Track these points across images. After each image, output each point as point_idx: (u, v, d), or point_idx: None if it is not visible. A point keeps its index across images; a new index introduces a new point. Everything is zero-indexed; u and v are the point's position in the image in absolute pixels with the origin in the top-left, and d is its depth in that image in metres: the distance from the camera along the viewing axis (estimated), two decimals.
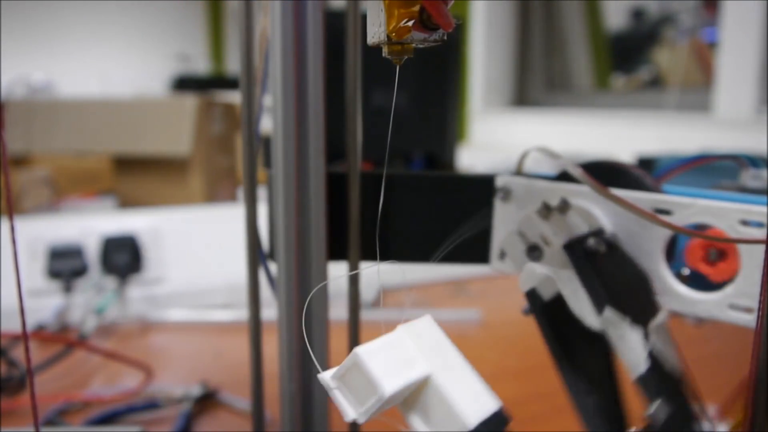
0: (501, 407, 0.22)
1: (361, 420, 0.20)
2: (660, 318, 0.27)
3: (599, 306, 0.26)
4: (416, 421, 0.21)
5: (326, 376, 0.21)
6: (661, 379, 0.25)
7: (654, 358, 0.25)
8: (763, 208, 0.28)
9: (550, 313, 0.29)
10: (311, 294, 0.34)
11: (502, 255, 0.35)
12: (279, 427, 0.36)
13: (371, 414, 0.20)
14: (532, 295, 0.29)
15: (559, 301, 0.29)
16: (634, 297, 0.27)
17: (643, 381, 0.25)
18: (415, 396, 0.21)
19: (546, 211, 0.30)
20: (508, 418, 0.21)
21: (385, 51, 0.22)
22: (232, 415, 0.53)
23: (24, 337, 0.22)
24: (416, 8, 0.21)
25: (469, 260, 0.37)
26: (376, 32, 0.22)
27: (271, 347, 0.37)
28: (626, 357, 0.25)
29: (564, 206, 0.30)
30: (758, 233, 0.26)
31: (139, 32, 4.86)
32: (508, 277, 0.35)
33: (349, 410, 0.20)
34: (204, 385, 0.55)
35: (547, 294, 0.29)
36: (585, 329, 0.27)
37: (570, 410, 0.29)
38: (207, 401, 0.54)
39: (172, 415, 0.52)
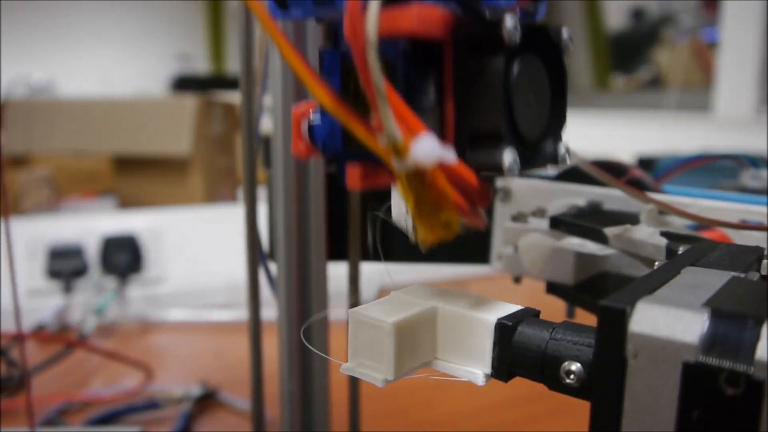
0: (526, 307, 0.20)
1: (390, 377, 0.19)
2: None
3: (599, 235, 0.28)
4: (444, 361, 0.20)
5: (345, 364, 0.20)
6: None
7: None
8: (763, 208, 0.28)
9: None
10: (310, 320, 0.34)
11: (501, 255, 0.35)
12: (279, 427, 0.36)
13: (396, 364, 0.19)
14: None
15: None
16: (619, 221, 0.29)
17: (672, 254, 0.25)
18: (432, 339, 0.20)
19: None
20: (537, 310, 0.20)
21: (411, 238, 0.20)
22: (232, 415, 0.53)
23: (20, 337, 0.22)
24: (444, 219, 0.18)
25: (470, 261, 0.37)
26: (400, 215, 0.20)
27: (271, 347, 0.37)
28: (645, 252, 0.26)
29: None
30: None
31: (139, 32, 4.86)
32: (508, 276, 0.35)
33: (377, 375, 0.19)
34: (204, 385, 0.55)
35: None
36: None
37: (570, 410, 0.29)
38: (207, 401, 0.54)
39: (172, 415, 0.52)
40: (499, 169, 0.18)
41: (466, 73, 0.18)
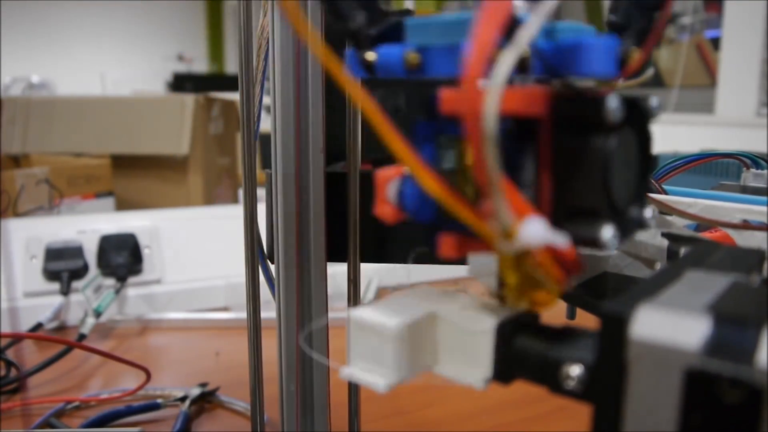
0: (524, 310, 0.19)
1: (393, 380, 0.19)
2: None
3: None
4: (444, 364, 0.20)
5: (344, 369, 0.20)
6: None
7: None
8: (765, 208, 0.28)
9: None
10: (309, 326, 0.34)
11: None
12: (278, 428, 0.36)
13: (397, 368, 0.18)
14: None
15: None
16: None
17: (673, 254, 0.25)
18: (433, 343, 0.20)
19: None
20: (537, 313, 0.19)
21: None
22: (232, 415, 0.53)
23: (18, 337, 0.22)
24: (542, 291, 0.18)
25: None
26: (481, 272, 0.21)
27: (271, 348, 0.36)
28: (647, 253, 0.26)
29: None
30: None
31: (139, 32, 4.85)
32: None
33: (378, 380, 0.19)
34: (203, 386, 0.55)
35: None
36: None
37: (571, 410, 0.29)
38: (206, 402, 0.54)
39: (172, 416, 0.51)
40: (596, 244, 0.18)
41: (566, 150, 0.18)
